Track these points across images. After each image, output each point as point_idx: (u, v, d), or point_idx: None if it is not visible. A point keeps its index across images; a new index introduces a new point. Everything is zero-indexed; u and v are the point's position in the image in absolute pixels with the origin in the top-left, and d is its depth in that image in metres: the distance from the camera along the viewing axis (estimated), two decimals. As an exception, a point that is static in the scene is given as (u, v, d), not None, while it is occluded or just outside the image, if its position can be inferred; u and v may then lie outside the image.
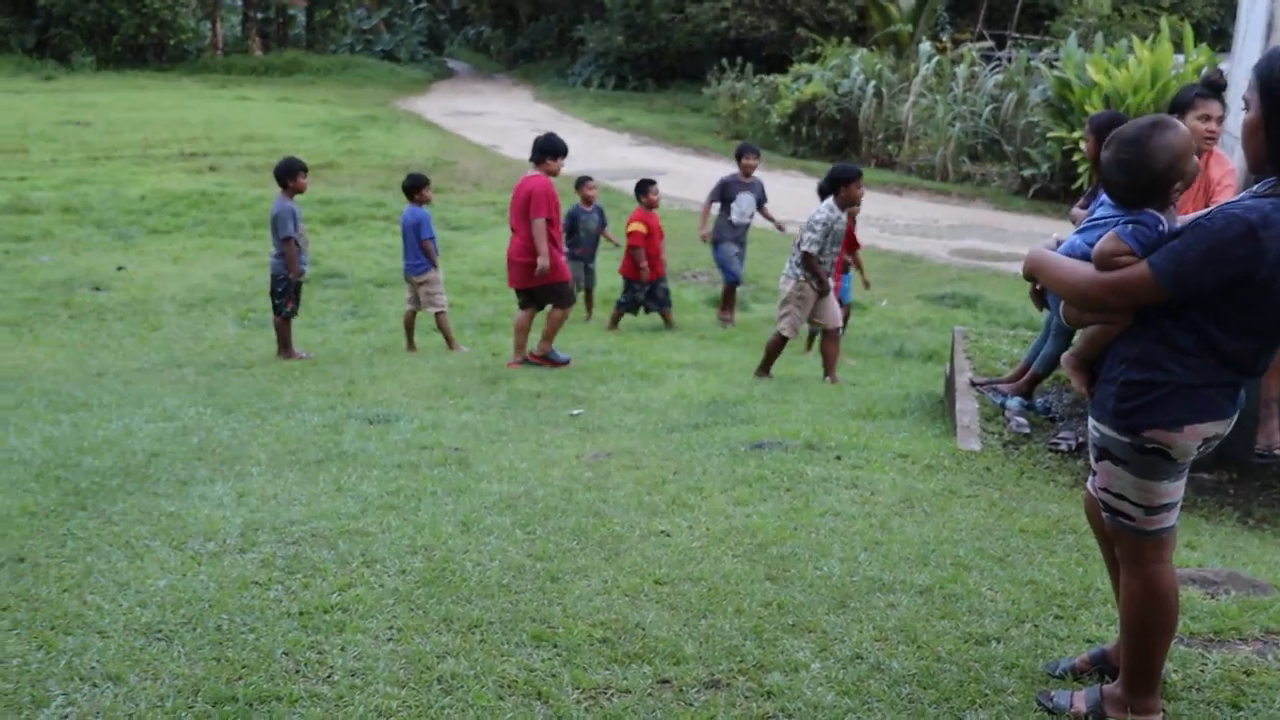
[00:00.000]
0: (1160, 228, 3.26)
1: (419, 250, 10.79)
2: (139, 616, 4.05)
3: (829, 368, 9.59)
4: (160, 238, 16.00)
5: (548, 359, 10.09)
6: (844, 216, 9.38)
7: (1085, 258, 3.39)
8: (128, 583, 4.36)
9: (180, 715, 3.39)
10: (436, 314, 10.96)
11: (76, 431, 7.00)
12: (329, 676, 3.67)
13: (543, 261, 9.84)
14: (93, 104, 28.03)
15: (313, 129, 25.37)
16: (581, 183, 12.69)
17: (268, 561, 4.64)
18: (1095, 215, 3.46)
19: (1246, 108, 3.19)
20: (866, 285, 12.00)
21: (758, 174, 12.97)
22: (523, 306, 10.23)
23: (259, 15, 45.36)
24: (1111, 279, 3.26)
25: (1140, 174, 3.30)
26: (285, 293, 10.38)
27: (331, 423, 7.59)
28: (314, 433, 7.26)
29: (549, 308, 10.17)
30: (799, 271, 9.33)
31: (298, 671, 3.69)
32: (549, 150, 9.99)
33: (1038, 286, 3.59)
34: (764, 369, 9.62)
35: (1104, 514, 3.48)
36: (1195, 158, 3.26)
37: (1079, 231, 3.50)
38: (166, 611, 4.09)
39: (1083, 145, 18.00)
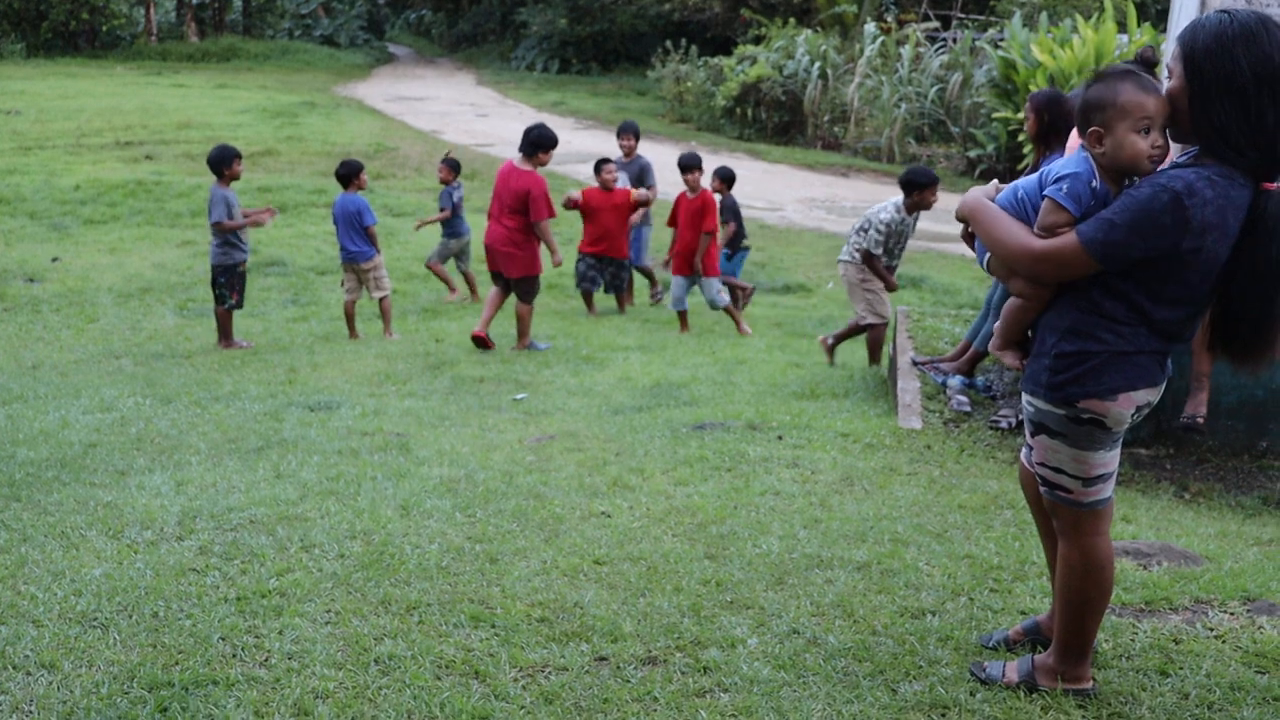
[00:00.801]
0: (1093, 183, 3.27)
1: (362, 237, 10.72)
2: (74, 605, 4.01)
3: (874, 356, 9.32)
4: (96, 228, 15.80)
5: (530, 349, 10.13)
6: (911, 220, 9.16)
7: (1017, 208, 3.41)
8: (63, 572, 4.33)
9: (115, 701, 3.37)
10: (382, 298, 10.91)
11: (11, 424, 6.92)
12: (266, 660, 3.66)
13: (557, 257, 10.18)
14: (23, 92, 27.57)
15: (251, 116, 25.11)
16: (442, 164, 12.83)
17: (205, 548, 4.62)
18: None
19: (1169, 77, 3.23)
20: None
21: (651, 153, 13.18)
22: (500, 287, 10.38)
23: (194, 0, 44.84)
24: (1041, 248, 3.28)
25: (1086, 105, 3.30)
26: (229, 284, 10.28)
27: (272, 411, 7.55)
28: (254, 421, 7.22)
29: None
30: (857, 255, 9.10)
31: (235, 656, 3.68)
32: (542, 144, 10.00)
33: (968, 229, 3.59)
34: (874, 360, 9.32)
35: (1041, 488, 3.52)
36: (1134, 128, 3.23)
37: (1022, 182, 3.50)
38: (102, 600, 4.06)
39: (1025, 125, 18.27)
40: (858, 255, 9.01)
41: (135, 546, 4.65)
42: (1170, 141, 3.29)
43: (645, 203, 12.14)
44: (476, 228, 12.18)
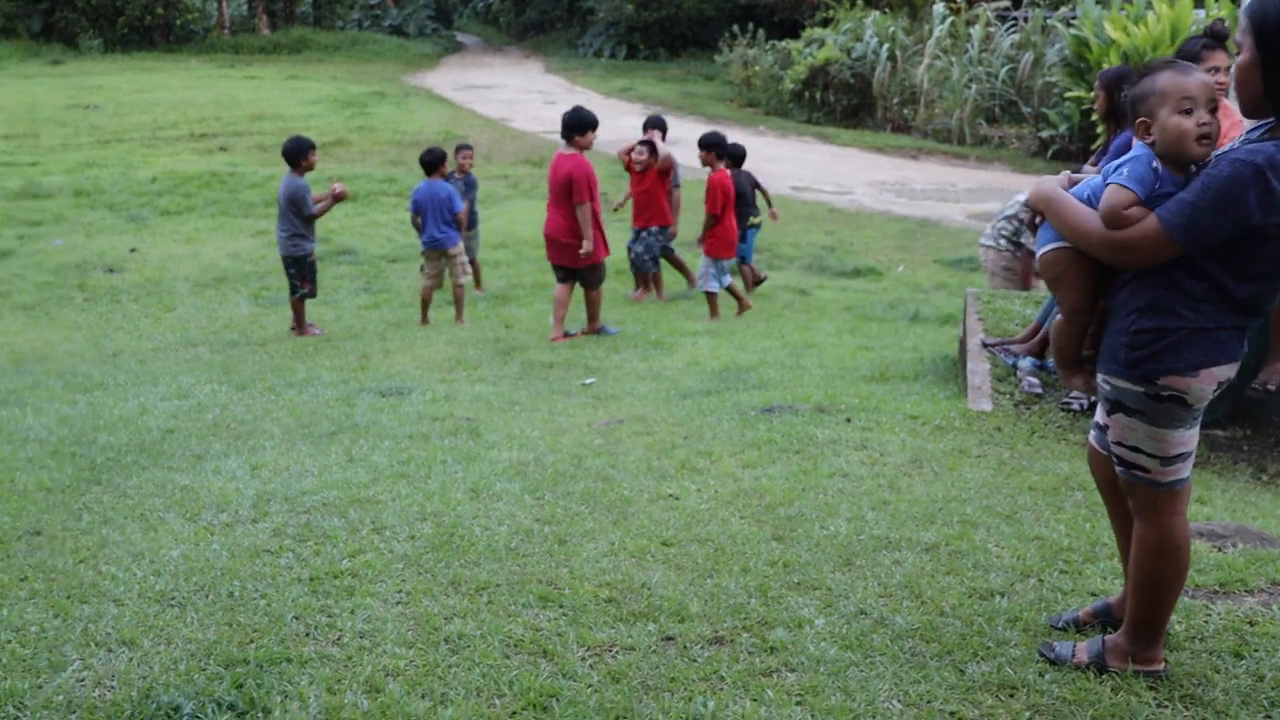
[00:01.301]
0: (1153, 164, 3.25)
1: (449, 224, 10.81)
2: (153, 585, 4.11)
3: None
4: (172, 219, 16.06)
5: (601, 333, 10.16)
6: None
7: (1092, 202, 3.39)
8: (142, 553, 4.42)
9: (193, 677, 3.44)
10: (459, 285, 11.00)
11: (92, 411, 7.07)
12: (338, 639, 3.72)
13: (586, 245, 9.89)
14: (101, 87, 28.07)
15: (322, 106, 25.38)
16: (459, 150, 12.67)
17: (279, 530, 4.70)
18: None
19: (1239, 51, 3.18)
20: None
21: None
22: (561, 280, 10.26)
23: (267, -7, 45.33)
24: (1123, 238, 3.23)
25: (1131, 98, 3.32)
26: (299, 274, 10.42)
27: (344, 396, 7.64)
28: (327, 406, 7.32)
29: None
30: (1002, 241, 8.95)
31: (308, 634, 3.75)
32: (576, 126, 9.90)
33: (1037, 220, 3.56)
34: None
35: (1118, 468, 3.48)
36: (1176, 108, 3.23)
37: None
38: (180, 580, 4.15)
39: (1095, 103, 18.00)
40: (1003, 241, 8.89)
41: (212, 528, 4.74)
42: (1244, 117, 3.26)
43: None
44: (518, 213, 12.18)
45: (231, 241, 14.73)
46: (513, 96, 29.04)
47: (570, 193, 9.80)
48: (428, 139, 21.31)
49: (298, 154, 10.34)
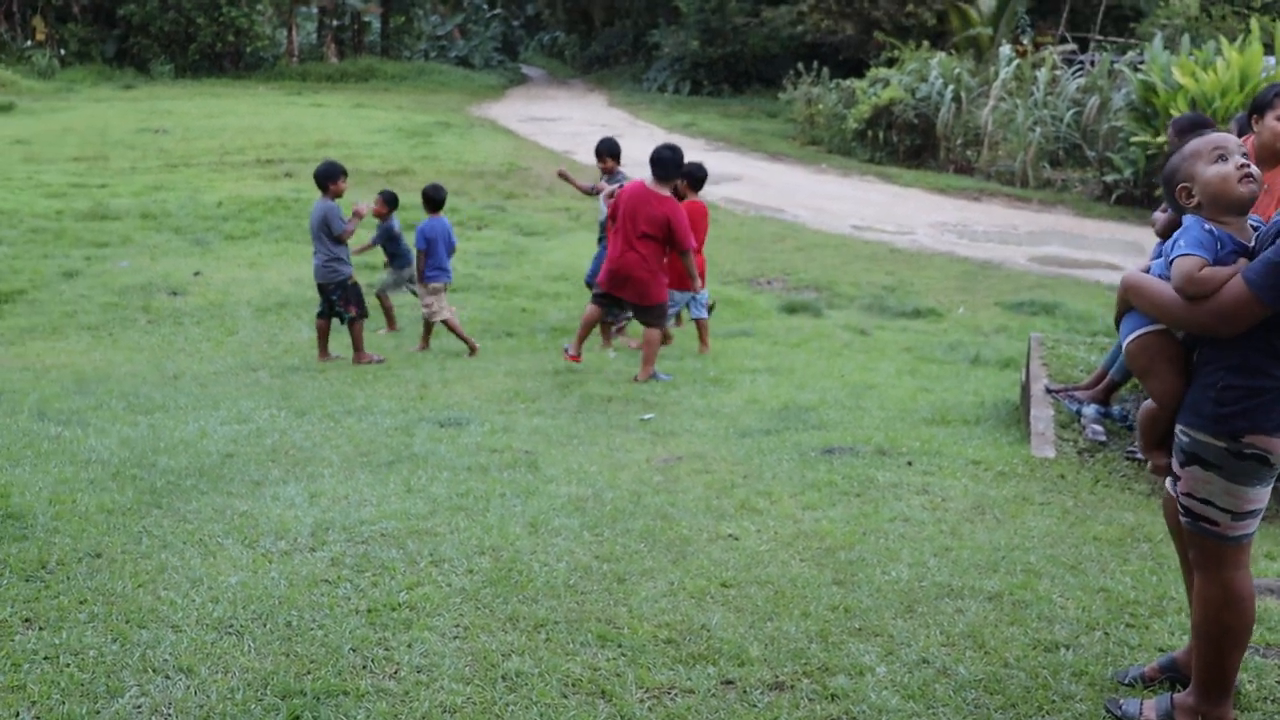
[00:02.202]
0: (1206, 227, 3.23)
1: (446, 258, 11.03)
2: (211, 612, 4.10)
3: None
4: (236, 243, 16.21)
5: (654, 379, 9.81)
6: None
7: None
8: (200, 579, 4.42)
9: (250, 707, 3.43)
10: (445, 321, 11.12)
11: (153, 433, 7.10)
12: (395, 672, 3.70)
13: (698, 284, 9.97)
14: (170, 111, 28.48)
15: (387, 135, 25.60)
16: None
17: (337, 560, 4.69)
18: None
19: None
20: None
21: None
22: (595, 301, 10.06)
23: (334, 22, 45.87)
24: (1213, 306, 3.19)
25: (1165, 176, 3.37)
26: (343, 298, 10.46)
27: (403, 425, 7.65)
28: (386, 435, 7.32)
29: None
30: None
31: (365, 667, 3.73)
32: (681, 172, 9.77)
33: (1120, 313, 3.56)
34: None
35: (1183, 519, 3.42)
36: (1210, 160, 3.28)
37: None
38: (238, 607, 4.15)
39: (1166, 149, 17.81)
40: None
41: (270, 556, 4.74)
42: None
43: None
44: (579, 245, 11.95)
45: (294, 267, 14.82)
46: (576, 129, 29.18)
47: (662, 235, 9.51)
48: (491, 170, 21.49)
49: (328, 178, 10.40)
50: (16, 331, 11.92)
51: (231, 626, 4.00)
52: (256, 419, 7.70)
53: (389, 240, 11.69)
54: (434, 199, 11.21)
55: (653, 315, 9.83)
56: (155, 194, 18.81)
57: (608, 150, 11.59)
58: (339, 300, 10.47)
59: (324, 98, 33.62)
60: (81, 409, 7.89)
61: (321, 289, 10.61)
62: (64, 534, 4.83)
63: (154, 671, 3.64)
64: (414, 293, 11.93)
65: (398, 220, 11.95)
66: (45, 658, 3.66)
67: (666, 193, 9.59)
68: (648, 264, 9.62)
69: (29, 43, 37.88)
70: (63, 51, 37.99)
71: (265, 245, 16.06)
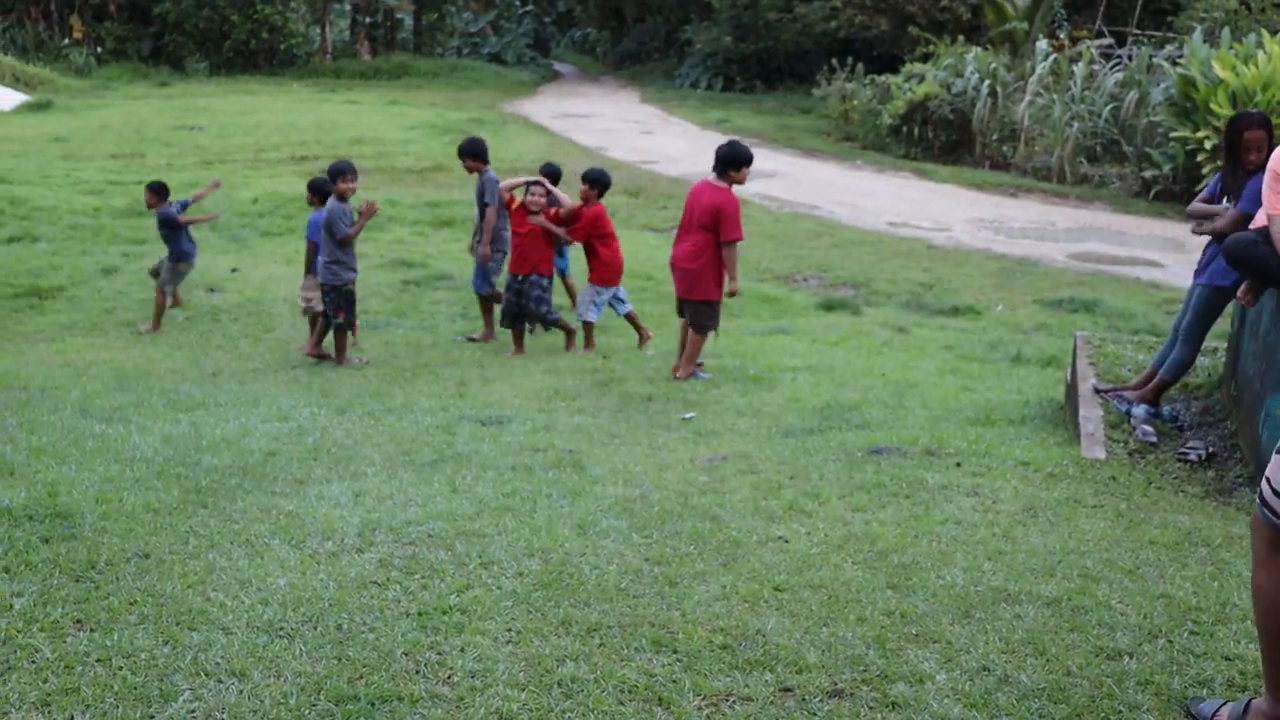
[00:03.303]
0: None
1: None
2: (261, 614, 4.07)
3: None
4: (272, 240, 16.24)
5: (693, 376, 9.78)
6: None
7: None
8: (249, 580, 4.39)
9: (304, 713, 3.39)
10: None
11: (195, 430, 7.09)
12: (449, 677, 3.65)
13: (733, 285, 9.64)
14: (206, 109, 28.59)
15: (420, 131, 25.62)
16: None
17: (385, 562, 4.65)
18: None
19: None
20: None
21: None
22: (681, 314, 10.00)
23: (367, 20, 46.01)
24: None
25: None
26: (335, 302, 10.28)
27: (444, 424, 7.61)
28: (427, 434, 7.29)
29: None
30: None
31: (418, 672, 3.68)
32: (731, 161, 9.57)
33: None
34: None
35: (1258, 505, 3.36)
36: None
37: None
38: (287, 609, 4.11)
39: (1207, 145, 17.62)
40: None
41: (317, 557, 4.70)
42: None
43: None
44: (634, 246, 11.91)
45: (330, 264, 14.83)
46: (609, 126, 29.13)
47: (714, 225, 9.45)
48: (525, 166, 21.40)
49: (334, 176, 10.17)
50: (57, 328, 11.96)
51: (282, 629, 3.96)
52: (297, 416, 7.68)
53: (163, 227, 12.02)
54: (321, 190, 11.00)
55: (698, 312, 9.71)
56: (191, 190, 18.81)
57: (469, 151, 11.42)
58: (329, 304, 10.29)
59: (357, 95, 33.71)
60: (123, 406, 7.88)
61: (320, 288, 10.51)
62: (112, 534, 4.81)
63: (206, 675, 3.61)
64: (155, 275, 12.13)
65: (176, 207, 12.10)
66: (98, 660, 3.64)
67: (723, 185, 9.57)
68: (697, 256, 9.55)
69: (66, 41, 38.17)
70: (99, 49, 38.28)
71: (301, 242, 15.98)
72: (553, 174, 11.82)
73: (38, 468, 5.76)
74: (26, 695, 3.39)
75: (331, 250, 10.21)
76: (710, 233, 9.49)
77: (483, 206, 11.20)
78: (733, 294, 9.73)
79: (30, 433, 6.54)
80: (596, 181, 11.09)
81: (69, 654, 3.66)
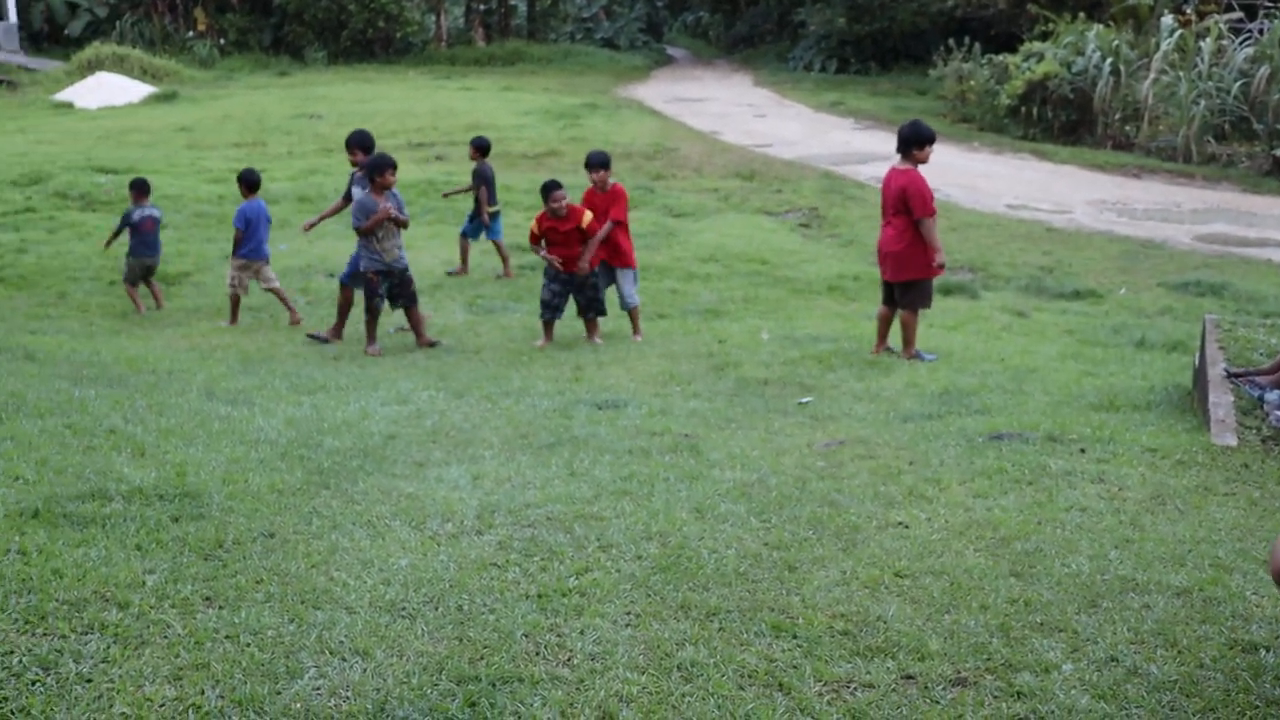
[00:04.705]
0: None
1: (266, 237, 11.93)
2: (383, 594, 4.11)
3: None
4: (387, 225, 16.42)
5: (917, 358, 9.81)
6: None
7: None
8: (371, 560, 4.45)
9: (426, 692, 3.42)
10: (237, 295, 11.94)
11: (316, 413, 7.20)
12: (569, 659, 3.66)
13: (939, 257, 9.65)
14: (324, 97, 29.01)
15: (535, 117, 25.74)
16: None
17: (504, 544, 4.68)
18: None
19: None
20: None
21: None
22: (886, 301, 10.02)
23: (482, 7, 46.35)
24: None
25: None
26: (365, 287, 10.54)
27: (561, 407, 7.65)
28: (544, 417, 7.33)
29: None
30: None
31: (538, 653, 3.70)
32: (915, 139, 9.62)
33: None
34: None
35: None
36: None
37: None
38: (409, 590, 4.15)
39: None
40: None
41: (437, 539, 4.75)
42: None
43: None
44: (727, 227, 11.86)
45: (446, 249, 14.98)
46: (722, 110, 29.02)
47: (906, 207, 9.54)
48: (639, 151, 21.48)
49: (373, 170, 10.35)
50: (183, 313, 12.25)
51: (404, 609, 4.00)
52: (415, 400, 7.77)
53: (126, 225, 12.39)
54: (250, 181, 11.72)
55: (909, 294, 9.77)
56: (311, 177, 19.19)
57: (358, 143, 11.36)
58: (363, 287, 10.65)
59: (472, 81, 33.96)
60: (247, 389, 8.04)
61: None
62: (238, 513, 4.90)
63: (330, 653, 3.65)
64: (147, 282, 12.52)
65: (143, 211, 12.39)
66: (226, 636, 3.70)
67: (907, 166, 9.66)
68: (900, 238, 9.66)
69: (191, 33, 39.04)
70: (222, 41, 39.05)
71: (417, 228, 16.22)
72: (362, 144, 11.53)
73: (167, 448, 5.89)
74: (159, 669, 3.47)
75: (361, 238, 10.45)
76: (906, 215, 9.60)
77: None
78: (940, 267, 9.76)
79: (159, 414, 6.68)
80: (605, 165, 11.12)
81: (199, 630, 3.73)
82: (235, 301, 11.90)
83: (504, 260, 14.16)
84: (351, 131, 11.76)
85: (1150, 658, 3.77)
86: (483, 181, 13.84)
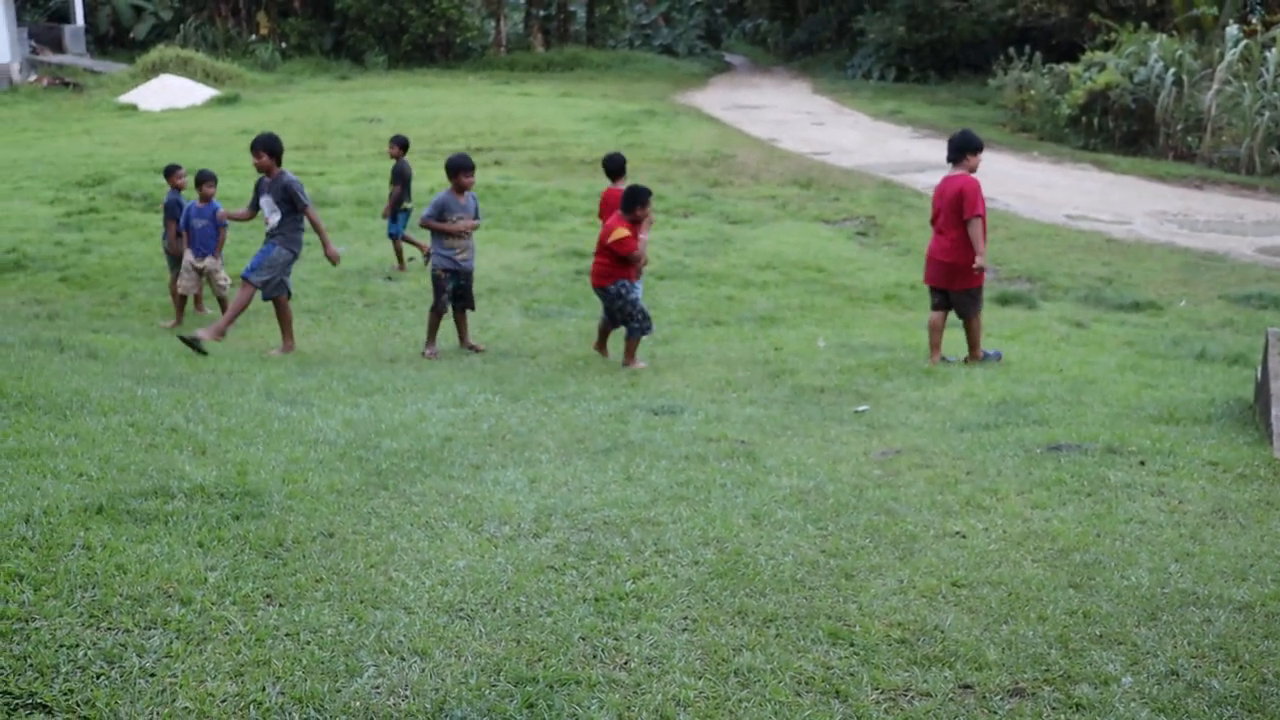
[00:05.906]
0: None
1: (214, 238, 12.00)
2: (441, 595, 4.15)
3: None
4: (447, 229, 16.52)
5: (985, 359, 9.95)
6: None
7: None
8: (429, 561, 4.48)
9: (484, 693, 3.45)
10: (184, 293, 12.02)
11: (374, 415, 7.26)
12: (626, 663, 3.68)
13: (979, 261, 9.65)
14: (384, 101, 29.25)
15: (593, 123, 25.82)
16: (170, 172, 12.51)
17: (562, 547, 4.70)
18: None
19: None
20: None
21: None
22: (935, 307, 10.04)
23: (541, 13, 46.63)
24: None
25: None
26: (433, 286, 10.70)
27: (617, 412, 7.67)
28: (600, 422, 7.35)
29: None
30: None
31: (595, 657, 3.72)
32: (968, 146, 9.73)
33: None
34: None
35: None
36: None
37: None
38: (467, 591, 4.18)
39: None
40: None
41: (495, 541, 4.78)
42: None
43: None
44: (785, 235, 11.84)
45: (504, 254, 15.06)
46: (781, 117, 28.99)
47: (960, 211, 9.57)
48: (696, 158, 21.49)
49: (461, 169, 10.67)
50: (245, 315, 12.36)
51: (462, 610, 4.03)
52: (472, 403, 7.82)
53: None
54: (197, 180, 11.99)
55: (961, 301, 9.82)
56: (370, 181, 19.33)
57: (264, 146, 10.53)
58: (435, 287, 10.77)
59: (531, 87, 34.13)
60: (305, 389, 8.11)
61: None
62: (298, 513, 4.94)
63: (389, 653, 3.69)
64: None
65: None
66: (286, 634, 3.74)
67: (960, 172, 9.72)
68: (954, 249, 9.69)
69: (253, 37, 39.52)
70: (284, 45, 39.49)
71: (478, 232, 16.31)
72: (269, 147, 10.50)
73: (227, 447, 5.95)
74: (221, 665, 3.51)
75: (438, 237, 10.65)
76: (962, 228, 9.64)
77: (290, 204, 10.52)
78: (981, 269, 9.74)
79: (220, 414, 6.76)
80: (606, 167, 11.57)
81: (259, 627, 3.77)
82: (181, 301, 12.18)
83: (399, 255, 14.52)
84: (259, 135, 10.80)
85: (1211, 672, 3.74)
86: (400, 179, 14.29)
